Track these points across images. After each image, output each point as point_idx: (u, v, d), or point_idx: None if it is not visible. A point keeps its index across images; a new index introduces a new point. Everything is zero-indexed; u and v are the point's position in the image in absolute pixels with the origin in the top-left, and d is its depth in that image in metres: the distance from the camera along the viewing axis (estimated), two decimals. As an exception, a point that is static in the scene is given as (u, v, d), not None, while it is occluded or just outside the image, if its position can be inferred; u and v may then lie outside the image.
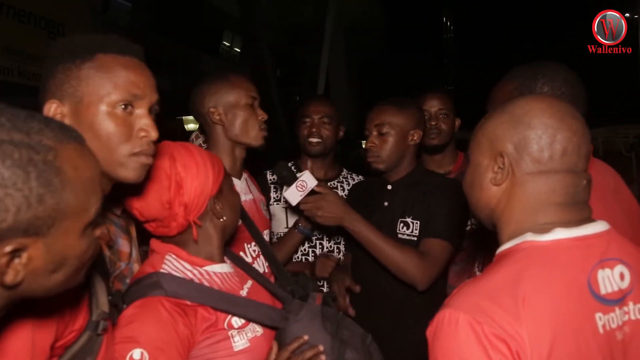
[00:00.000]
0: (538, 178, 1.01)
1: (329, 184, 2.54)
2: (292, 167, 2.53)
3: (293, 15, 13.19)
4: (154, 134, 1.11)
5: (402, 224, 2.08)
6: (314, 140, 2.48)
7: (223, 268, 1.40)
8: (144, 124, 1.10)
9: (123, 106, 1.07)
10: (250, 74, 14.01)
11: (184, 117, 11.93)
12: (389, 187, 2.18)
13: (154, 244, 1.37)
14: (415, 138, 2.09)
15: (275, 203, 2.48)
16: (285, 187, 1.97)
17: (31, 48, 5.56)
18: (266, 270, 1.83)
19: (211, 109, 1.88)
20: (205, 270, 1.35)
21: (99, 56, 1.08)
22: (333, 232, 2.42)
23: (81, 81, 1.06)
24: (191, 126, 12.04)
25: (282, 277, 1.72)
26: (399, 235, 2.07)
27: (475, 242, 2.42)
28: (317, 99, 2.64)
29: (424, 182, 2.12)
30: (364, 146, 2.66)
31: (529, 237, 0.98)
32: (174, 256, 1.33)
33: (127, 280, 1.33)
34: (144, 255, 1.42)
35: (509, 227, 1.04)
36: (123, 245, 1.34)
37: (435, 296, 1.96)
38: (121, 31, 9.89)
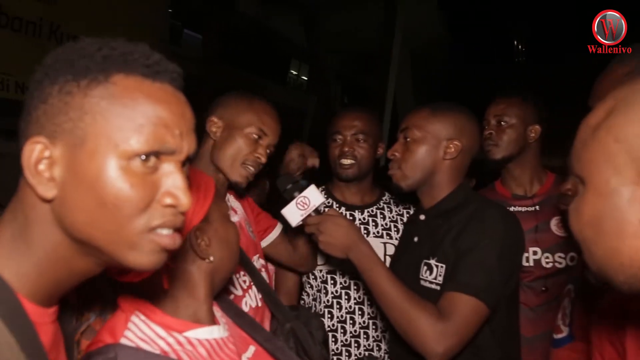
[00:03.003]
0: None
1: (366, 211, 2.18)
2: (322, 192, 2.19)
3: (359, 42, 13.15)
4: (185, 202, 0.73)
5: (425, 267, 1.62)
6: (346, 162, 2.10)
7: (213, 332, 1.04)
8: (174, 185, 0.73)
9: (144, 157, 0.71)
10: (317, 101, 14.12)
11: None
12: (422, 217, 1.73)
13: (122, 299, 1.01)
14: (451, 150, 1.63)
15: None
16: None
17: (100, 78, 5.73)
18: (259, 304, 1.59)
19: (213, 118, 1.65)
20: (187, 338, 0.99)
21: (117, 78, 0.71)
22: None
23: (85, 114, 0.70)
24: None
25: (279, 311, 1.47)
26: (422, 282, 1.62)
27: (558, 285, 2.04)
28: (349, 112, 2.20)
29: (462, 209, 1.62)
30: None
31: None
32: (142, 317, 0.97)
33: None
34: None
35: None
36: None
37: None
38: (192, 62, 10.26)
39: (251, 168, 1.63)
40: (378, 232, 2.13)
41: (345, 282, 2.09)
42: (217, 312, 1.13)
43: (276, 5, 13.34)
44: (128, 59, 0.73)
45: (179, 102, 0.76)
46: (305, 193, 1.59)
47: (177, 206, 0.73)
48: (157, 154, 0.72)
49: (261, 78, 13.59)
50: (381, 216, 2.17)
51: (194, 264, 1.01)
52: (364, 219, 2.16)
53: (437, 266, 1.57)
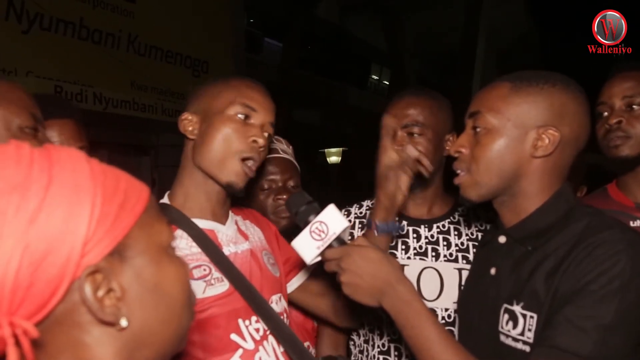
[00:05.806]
0: None
1: (435, 226, 1.67)
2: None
3: (441, 44, 12.78)
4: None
5: (506, 316, 1.10)
6: None
7: None
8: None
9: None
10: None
11: (326, 150, 12.06)
12: (502, 239, 1.20)
13: None
14: (545, 143, 1.09)
15: None
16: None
17: (175, 86, 5.90)
18: (281, 359, 1.24)
19: (185, 115, 1.30)
20: None
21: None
22: None
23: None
24: (333, 159, 12.16)
25: None
26: (501, 338, 1.10)
27: None
28: (399, 98, 1.66)
29: (562, 230, 1.08)
30: None
31: None
32: None
33: None
34: None
35: None
36: None
37: None
38: (273, 68, 10.45)
39: (249, 159, 1.26)
40: (451, 255, 1.63)
41: (394, 333, 1.60)
42: None
43: (356, 10, 13.28)
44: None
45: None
46: (321, 217, 1.12)
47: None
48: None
49: (341, 83, 13.58)
50: (456, 233, 1.66)
51: (88, 333, 0.58)
52: (432, 236, 1.67)
53: (524, 315, 1.06)
